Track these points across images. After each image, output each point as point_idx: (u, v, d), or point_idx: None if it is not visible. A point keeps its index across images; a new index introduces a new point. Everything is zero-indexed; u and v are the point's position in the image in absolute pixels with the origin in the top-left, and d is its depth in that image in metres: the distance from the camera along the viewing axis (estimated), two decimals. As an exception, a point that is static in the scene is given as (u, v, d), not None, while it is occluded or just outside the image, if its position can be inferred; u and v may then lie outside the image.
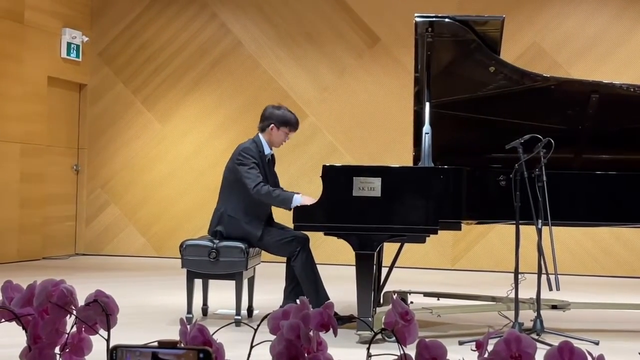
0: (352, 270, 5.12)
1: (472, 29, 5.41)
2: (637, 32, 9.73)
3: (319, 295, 5.57)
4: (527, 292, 5.53)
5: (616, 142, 5.88)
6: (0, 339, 3.77)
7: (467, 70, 5.70)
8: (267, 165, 5.91)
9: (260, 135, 5.93)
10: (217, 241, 5.72)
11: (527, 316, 5.26)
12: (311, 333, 1.74)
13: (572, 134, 5.73)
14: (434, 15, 5.42)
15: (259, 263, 6.14)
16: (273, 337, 1.79)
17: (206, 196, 10.35)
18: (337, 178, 5.15)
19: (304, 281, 5.66)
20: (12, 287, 1.94)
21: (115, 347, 1.62)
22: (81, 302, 1.91)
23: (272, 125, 5.88)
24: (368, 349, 1.72)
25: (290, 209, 5.47)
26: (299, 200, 5.53)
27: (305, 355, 1.73)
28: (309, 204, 5.34)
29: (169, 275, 8.56)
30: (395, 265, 6.08)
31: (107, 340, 1.80)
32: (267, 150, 5.91)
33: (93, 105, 11.05)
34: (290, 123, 5.91)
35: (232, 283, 5.66)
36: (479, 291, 6.78)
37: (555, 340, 4.81)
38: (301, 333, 1.72)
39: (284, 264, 5.89)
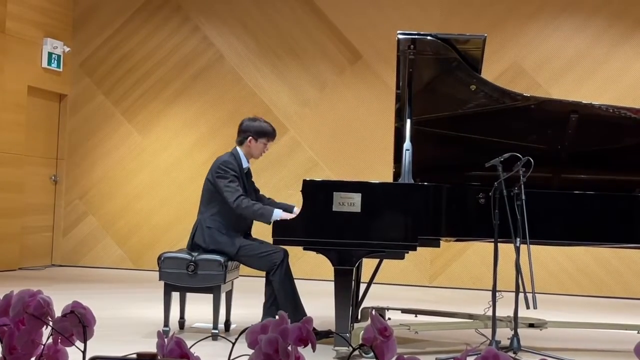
0: (331, 286, 5.12)
1: (454, 47, 5.45)
2: (616, 54, 9.83)
3: (297, 309, 5.56)
4: (504, 310, 5.54)
5: (595, 162, 5.92)
6: (-26, 349, 3.73)
7: (448, 88, 5.74)
8: (245, 178, 5.93)
9: (238, 149, 5.95)
10: (196, 254, 5.70)
11: (504, 334, 5.27)
12: (289, 347, 1.73)
13: (551, 153, 5.77)
14: (416, 32, 5.45)
15: (237, 277, 6.12)
16: (251, 352, 1.78)
17: (185, 209, 10.32)
18: (317, 193, 5.16)
19: (281, 296, 5.65)
20: (-12, 297, 1.93)
21: (94, 359, 1.61)
22: (58, 313, 1.90)
23: (250, 137, 5.91)
24: (346, 364, 1.71)
25: (269, 223, 5.48)
26: (279, 215, 5.54)
27: (283, 369, 1.72)
28: (288, 219, 5.36)
29: (146, 288, 8.52)
30: (374, 281, 6.08)
31: (84, 352, 1.79)
32: (245, 164, 5.94)
33: (73, 116, 11.00)
34: (267, 133, 5.95)
35: (210, 296, 5.64)
36: (456, 308, 6.79)
37: (532, 359, 4.83)
38: (279, 347, 1.71)
39: (263, 279, 5.88)
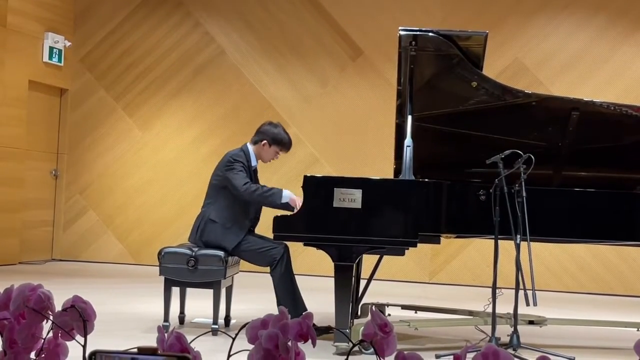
0: (331, 282, 5.12)
1: (456, 43, 5.44)
2: (618, 52, 9.82)
3: (297, 305, 5.56)
4: (504, 307, 5.54)
5: (595, 160, 5.92)
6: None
7: (449, 85, 5.73)
8: (252, 175, 5.92)
9: (250, 147, 5.95)
10: (196, 249, 5.70)
11: (503, 331, 5.27)
12: (289, 343, 1.74)
13: (552, 151, 5.77)
14: (417, 29, 5.44)
15: (238, 272, 6.12)
16: (251, 347, 1.78)
17: (185, 204, 10.33)
18: (317, 189, 5.15)
19: (281, 291, 5.65)
20: (-11, 291, 1.93)
21: (94, 352, 1.61)
22: (58, 307, 1.90)
23: (265, 141, 5.91)
24: (346, 360, 1.71)
25: (280, 204, 5.52)
26: (288, 195, 5.59)
27: (283, 365, 1.72)
28: (297, 203, 5.43)
29: (146, 283, 8.52)
30: (374, 277, 6.08)
31: (84, 347, 1.79)
32: (253, 162, 5.94)
33: (74, 111, 10.99)
34: (282, 143, 5.94)
35: (210, 292, 5.64)
36: (456, 305, 6.79)
37: (532, 356, 4.82)
38: (279, 343, 1.72)
39: (263, 274, 5.88)
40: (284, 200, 5.62)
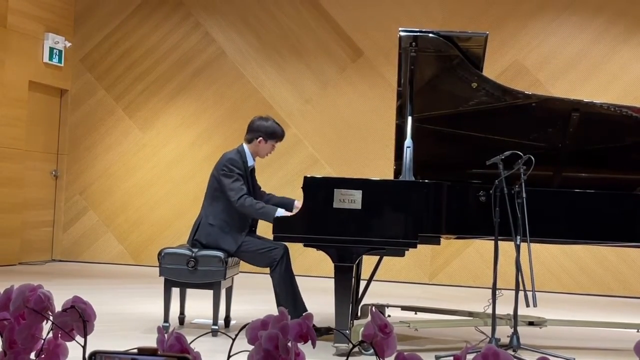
0: (331, 282, 5.12)
1: (456, 44, 5.44)
2: (618, 53, 9.82)
3: (297, 306, 5.56)
4: (504, 308, 5.54)
5: (595, 161, 5.92)
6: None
7: (449, 86, 5.73)
8: (249, 177, 5.91)
9: (245, 146, 5.93)
10: (196, 250, 5.70)
11: (503, 332, 5.27)
12: (289, 344, 1.74)
13: (552, 152, 5.77)
14: (418, 30, 5.44)
15: (237, 273, 6.12)
16: (251, 347, 1.78)
17: (185, 205, 10.33)
18: (318, 190, 5.15)
19: (282, 292, 5.64)
20: (-11, 292, 1.93)
21: (95, 353, 1.61)
22: (58, 308, 1.90)
23: (261, 138, 5.89)
24: (346, 361, 1.71)
25: (272, 222, 5.47)
26: (281, 213, 5.53)
27: (283, 366, 1.72)
28: (289, 215, 5.37)
29: (146, 283, 8.52)
30: (374, 278, 6.08)
31: (84, 347, 1.79)
32: (250, 162, 5.93)
33: (74, 111, 10.99)
34: (278, 135, 5.94)
35: (210, 292, 5.64)
36: (456, 306, 6.79)
37: (532, 357, 4.83)
38: (279, 344, 1.72)
39: (263, 275, 5.87)
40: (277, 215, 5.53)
